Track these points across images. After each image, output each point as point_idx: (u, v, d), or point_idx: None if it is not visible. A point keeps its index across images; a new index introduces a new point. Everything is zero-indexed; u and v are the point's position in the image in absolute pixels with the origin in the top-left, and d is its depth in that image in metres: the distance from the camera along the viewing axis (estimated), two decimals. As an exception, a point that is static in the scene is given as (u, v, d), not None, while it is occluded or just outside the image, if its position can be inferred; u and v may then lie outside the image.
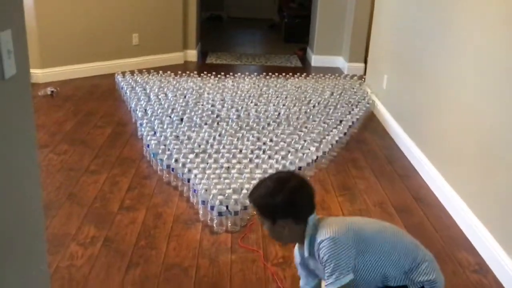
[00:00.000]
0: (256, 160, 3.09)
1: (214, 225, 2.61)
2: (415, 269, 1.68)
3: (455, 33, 3.02)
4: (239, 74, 5.20)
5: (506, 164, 2.37)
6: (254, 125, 3.78)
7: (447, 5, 3.17)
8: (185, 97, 4.39)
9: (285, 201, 1.61)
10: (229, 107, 4.18)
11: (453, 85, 3.01)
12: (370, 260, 1.64)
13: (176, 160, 3.05)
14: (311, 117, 4.06)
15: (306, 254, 1.71)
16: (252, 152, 3.26)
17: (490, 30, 2.60)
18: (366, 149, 3.79)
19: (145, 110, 3.99)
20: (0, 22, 1.20)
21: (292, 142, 3.49)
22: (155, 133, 3.52)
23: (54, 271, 2.19)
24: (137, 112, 3.94)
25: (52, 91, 4.56)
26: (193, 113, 3.93)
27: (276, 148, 3.38)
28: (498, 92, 2.48)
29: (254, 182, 2.80)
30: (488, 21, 2.62)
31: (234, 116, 3.95)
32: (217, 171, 2.95)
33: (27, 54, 1.38)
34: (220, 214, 2.59)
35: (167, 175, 3.08)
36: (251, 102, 4.34)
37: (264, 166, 3.02)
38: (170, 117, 3.85)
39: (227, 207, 2.60)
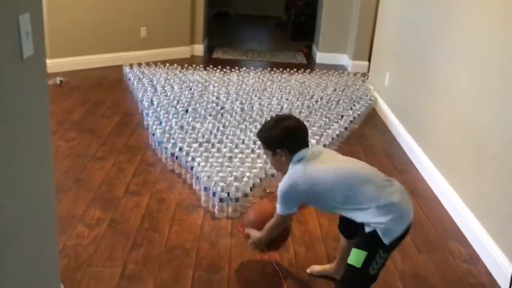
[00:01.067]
0: (258, 151, 3.18)
1: (215, 211, 2.71)
2: (366, 210, 1.82)
3: (455, 33, 3.10)
4: (244, 69, 5.29)
5: (498, 161, 2.45)
6: (257, 117, 3.87)
7: (448, 5, 3.24)
8: (190, 89, 4.49)
9: (281, 135, 1.96)
10: (234, 100, 4.28)
11: (451, 84, 3.09)
12: (321, 204, 1.99)
13: (180, 149, 3.14)
14: (313, 111, 4.14)
15: None
16: (254, 143, 3.35)
17: (488, 30, 2.68)
18: (366, 143, 3.87)
19: (152, 100, 4.08)
20: (19, 5, 1.29)
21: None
22: (160, 123, 3.62)
23: (61, 250, 2.29)
24: (144, 102, 4.04)
25: (61, 81, 4.66)
26: (198, 105, 4.03)
27: (278, 140, 3.46)
28: (494, 91, 2.56)
29: (255, 171, 2.91)
30: (487, 22, 2.70)
31: (238, 109, 4.04)
32: (220, 160, 3.04)
33: (44, 37, 1.48)
34: (221, 200, 2.69)
35: (171, 163, 3.18)
36: (255, 96, 4.43)
37: (265, 156, 3.10)
38: (175, 108, 3.94)
39: (228, 194, 2.70)
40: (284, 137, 1.96)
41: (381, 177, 1.92)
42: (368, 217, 1.81)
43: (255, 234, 2.10)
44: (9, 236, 1.28)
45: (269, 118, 2.13)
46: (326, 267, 2.27)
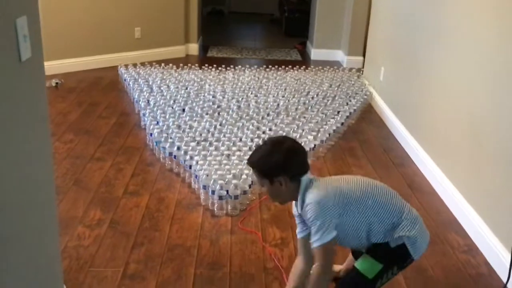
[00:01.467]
0: (256, 148, 3.19)
1: (215, 209, 2.72)
2: (397, 225, 1.80)
3: (448, 27, 3.12)
4: (239, 67, 5.30)
5: (494, 152, 2.47)
6: (254, 115, 3.89)
7: (441, -3, 3.26)
8: (186, 88, 4.50)
9: (282, 159, 1.77)
10: (230, 98, 4.29)
11: (446, 77, 3.11)
12: (355, 217, 1.80)
13: (178, 148, 3.15)
14: (309, 107, 4.16)
15: (299, 210, 1.87)
16: (252, 140, 3.36)
17: (483, 24, 2.70)
18: (363, 138, 3.89)
19: (148, 101, 4.09)
20: (16, 8, 1.30)
21: (291, 131, 3.59)
22: (157, 122, 3.62)
23: (62, 251, 2.30)
24: (140, 102, 4.05)
25: (57, 83, 4.66)
26: (194, 104, 4.04)
27: (275, 137, 3.49)
28: (489, 84, 2.58)
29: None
30: (481, 16, 2.72)
31: (235, 107, 4.06)
32: (218, 158, 3.06)
33: (41, 39, 1.49)
34: (220, 198, 2.70)
35: (169, 162, 3.19)
36: (251, 94, 4.44)
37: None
38: (172, 107, 3.95)
39: (227, 191, 2.71)
40: (285, 161, 1.77)
41: (394, 193, 1.90)
42: (400, 231, 1.79)
43: None
44: (12, 238, 1.29)
45: (260, 142, 1.93)
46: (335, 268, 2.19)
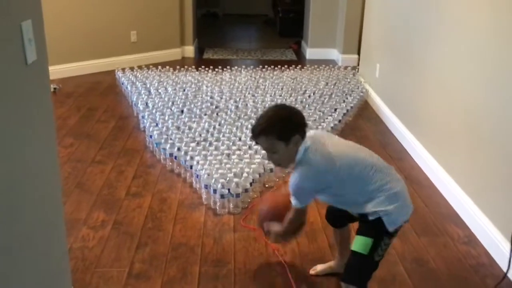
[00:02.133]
0: (255, 146, 3.22)
1: (217, 208, 2.75)
2: (373, 198, 1.84)
3: (442, 21, 3.16)
4: (236, 67, 5.33)
5: (490, 143, 2.51)
6: (252, 114, 3.91)
7: (434, -7, 3.30)
8: (184, 90, 4.52)
9: (300, 117, 1.88)
10: (227, 98, 4.32)
11: (440, 71, 3.15)
12: (344, 187, 1.89)
13: (179, 149, 3.18)
14: (307, 106, 4.19)
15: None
16: (251, 139, 3.38)
17: (476, 17, 2.74)
18: (360, 135, 3.92)
19: (146, 103, 4.11)
20: (22, 12, 1.33)
21: (289, 130, 3.62)
22: (157, 124, 3.65)
23: (68, 252, 2.32)
24: (139, 105, 4.07)
25: (55, 88, 4.68)
26: (192, 105, 4.06)
27: (274, 135, 3.51)
28: (484, 76, 2.62)
29: (254, 166, 2.95)
30: (474, 9, 2.76)
31: (233, 107, 4.09)
32: (218, 157, 3.08)
33: (45, 42, 1.51)
34: (222, 197, 2.73)
35: (170, 163, 3.22)
36: (249, 94, 4.47)
37: (263, 151, 3.15)
38: (171, 109, 3.98)
39: (228, 190, 2.74)
40: (302, 119, 1.88)
41: (384, 164, 1.94)
42: (377, 205, 1.83)
43: (275, 228, 2.08)
44: (22, 240, 1.32)
45: (260, 114, 1.94)
46: (329, 264, 2.27)
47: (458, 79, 2.92)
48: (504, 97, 2.38)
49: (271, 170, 3.05)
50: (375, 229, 1.85)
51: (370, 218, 1.85)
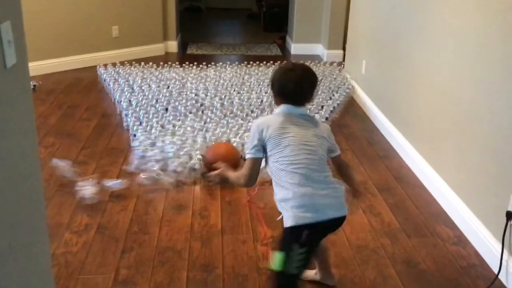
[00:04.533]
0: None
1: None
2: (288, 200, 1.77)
3: (429, 18, 3.13)
4: (220, 63, 5.26)
5: (478, 142, 2.49)
6: (238, 112, 3.86)
7: (422, -10, 3.27)
8: (168, 87, 4.44)
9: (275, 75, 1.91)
10: (213, 95, 4.25)
11: (428, 68, 3.13)
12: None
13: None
14: (293, 103, 4.14)
15: None
16: (236, 135, 3.33)
17: (463, 15, 2.71)
18: (348, 132, 3.89)
19: (130, 101, 4.03)
20: (0, 14, 1.25)
21: (276, 128, 3.57)
22: (141, 123, 3.58)
23: (50, 259, 2.24)
24: (122, 103, 3.98)
25: (34, 85, 4.56)
26: (177, 103, 3.99)
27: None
28: (471, 74, 2.59)
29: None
30: (462, 6, 2.73)
31: (218, 104, 4.02)
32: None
33: (25, 44, 1.43)
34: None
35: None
36: (234, 91, 4.41)
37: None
38: (155, 107, 3.90)
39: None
40: (276, 80, 1.88)
41: (318, 176, 1.78)
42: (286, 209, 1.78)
43: (228, 172, 1.99)
44: (3, 250, 1.25)
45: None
46: (315, 271, 2.18)
47: (445, 77, 2.89)
48: (493, 95, 2.36)
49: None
50: (283, 240, 1.79)
51: (284, 225, 1.79)
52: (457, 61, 2.76)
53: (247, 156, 1.87)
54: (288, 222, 1.76)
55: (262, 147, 1.84)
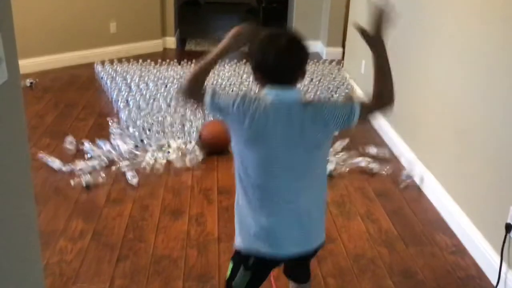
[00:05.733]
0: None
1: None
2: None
3: (430, 19, 3.09)
4: (219, 61, 5.20)
5: (479, 150, 2.46)
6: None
7: (423, -7, 3.23)
8: (166, 86, 4.40)
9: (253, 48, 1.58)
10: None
11: (429, 71, 3.09)
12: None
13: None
14: (292, 104, 4.11)
15: None
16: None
17: (464, 20, 2.67)
18: (346, 134, 3.84)
19: (127, 101, 3.99)
20: (-10, 29, 1.21)
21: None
22: (136, 122, 3.54)
23: (44, 267, 2.21)
24: (119, 103, 3.94)
25: (31, 83, 4.52)
26: (176, 102, 3.95)
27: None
28: (472, 80, 2.56)
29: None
30: (463, 12, 2.69)
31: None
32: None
33: (17, 59, 1.40)
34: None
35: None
36: (232, 91, 4.37)
37: None
38: (152, 106, 3.86)
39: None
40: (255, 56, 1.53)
41: (285, 197, 1.51)
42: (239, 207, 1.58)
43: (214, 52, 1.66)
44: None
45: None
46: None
47: (446, 82, 2.86)
48: (495, 103, 2.33)
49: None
50: (236, 252, 1.63)
51: None
52: (457, 67, 2.72)
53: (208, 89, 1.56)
54: (237, 241, 1.59)
55: (223, 113, 1.52)
